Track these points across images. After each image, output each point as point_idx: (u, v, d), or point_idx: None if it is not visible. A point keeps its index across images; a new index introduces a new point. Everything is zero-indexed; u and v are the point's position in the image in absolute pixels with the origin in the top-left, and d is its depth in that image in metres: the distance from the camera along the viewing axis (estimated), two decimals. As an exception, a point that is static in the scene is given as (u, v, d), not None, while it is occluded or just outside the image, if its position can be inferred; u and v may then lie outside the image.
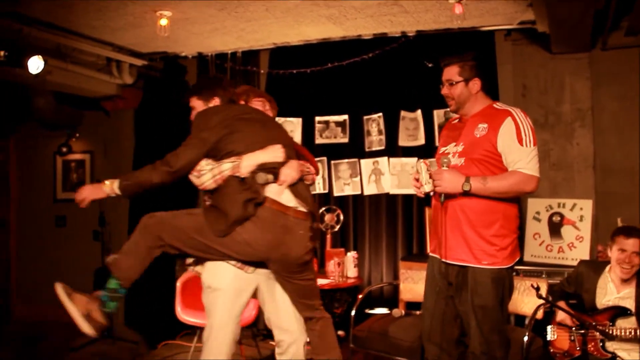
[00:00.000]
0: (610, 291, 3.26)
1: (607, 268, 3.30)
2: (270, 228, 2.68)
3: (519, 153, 2.79)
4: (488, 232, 2.84)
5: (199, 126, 2.79)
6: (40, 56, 4.22)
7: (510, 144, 2.79)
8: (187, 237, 2.73)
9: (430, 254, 3.13)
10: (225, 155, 2.74)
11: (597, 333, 3.14)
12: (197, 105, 2.96)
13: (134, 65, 5.26)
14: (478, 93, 3.00)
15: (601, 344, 3.17)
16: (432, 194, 3.00)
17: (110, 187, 2.76)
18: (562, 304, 3.31)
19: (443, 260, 2.96)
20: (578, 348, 3.21)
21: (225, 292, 2.85)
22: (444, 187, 2.83)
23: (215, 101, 2.94)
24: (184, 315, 4.36)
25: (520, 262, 4.34)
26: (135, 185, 2.76)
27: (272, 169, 2.72)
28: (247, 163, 2.70)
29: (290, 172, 2.78)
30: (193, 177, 2.80)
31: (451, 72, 3.01)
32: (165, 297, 4.96)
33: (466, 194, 2.81)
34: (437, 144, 4.18)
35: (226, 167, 2.71)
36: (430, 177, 2.88)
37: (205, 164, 2.76)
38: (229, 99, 2.99)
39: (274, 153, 2.78)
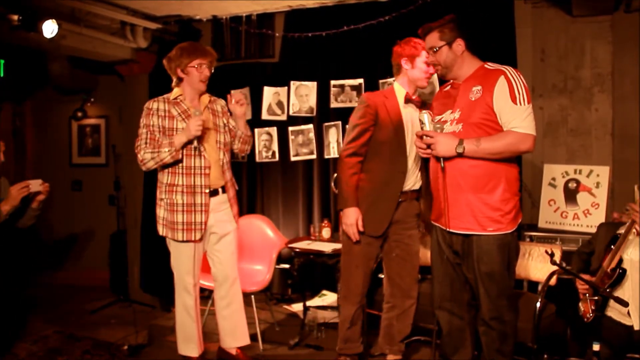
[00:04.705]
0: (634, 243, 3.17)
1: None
2: None
3: (512, 112, 2.73)
4: (492, 197, 2.81)
5: None
6: (54, 20, 4.21)
7: (504, 103, 2.74)
8: None
9: (433, 222, 3.12)
10: None
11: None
12: None
13: (148, 29, 5.22)
14: (464, 54, 2.93)
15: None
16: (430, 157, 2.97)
17: None
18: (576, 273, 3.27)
19: (446, 229, 2.95)
20: (590, 315, 3.21)
21: None
22: (438, 151, 2.80)
23: None
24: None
25: (535, 228, 4.33)
26: None
27: None
28: None
29: None
30: None
31: (432, 39, 2.96)
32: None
33: (462, 157, 2.78)
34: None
35: None
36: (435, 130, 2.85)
37: None
38: None
39: None
